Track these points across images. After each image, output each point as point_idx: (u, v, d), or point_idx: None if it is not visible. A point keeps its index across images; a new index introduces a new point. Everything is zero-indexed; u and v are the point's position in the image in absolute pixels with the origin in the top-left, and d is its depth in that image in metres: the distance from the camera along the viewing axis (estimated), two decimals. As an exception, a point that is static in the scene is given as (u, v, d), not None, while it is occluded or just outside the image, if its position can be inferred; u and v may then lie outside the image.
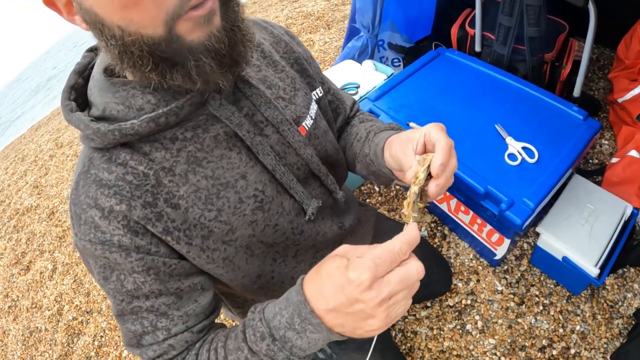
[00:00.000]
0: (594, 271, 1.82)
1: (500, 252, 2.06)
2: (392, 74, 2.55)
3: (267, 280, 1.08)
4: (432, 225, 2.48)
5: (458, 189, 1.95)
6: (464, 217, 2.14)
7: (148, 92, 0.82)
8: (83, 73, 0.91)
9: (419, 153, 0.87)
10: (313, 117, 1.10)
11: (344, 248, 0.74)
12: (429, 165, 0.81)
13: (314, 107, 1.11)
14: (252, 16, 1.21)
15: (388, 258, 0.67)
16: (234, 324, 1.03)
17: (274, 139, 0.98)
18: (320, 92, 1.18)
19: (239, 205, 0.92)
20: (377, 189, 2.76)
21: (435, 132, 0.84)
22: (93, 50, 0.95)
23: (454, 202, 2.13)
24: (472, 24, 2.52)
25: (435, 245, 2.39)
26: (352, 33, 3.03)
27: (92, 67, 0.91)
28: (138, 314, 0.89)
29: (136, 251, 0.82)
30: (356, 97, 2.40)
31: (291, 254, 1.11)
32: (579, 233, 1.93)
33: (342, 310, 0.69)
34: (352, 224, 1.30)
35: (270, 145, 0.97)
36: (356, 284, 0.65)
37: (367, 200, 2.70)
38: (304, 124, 1.06)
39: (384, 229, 1.65)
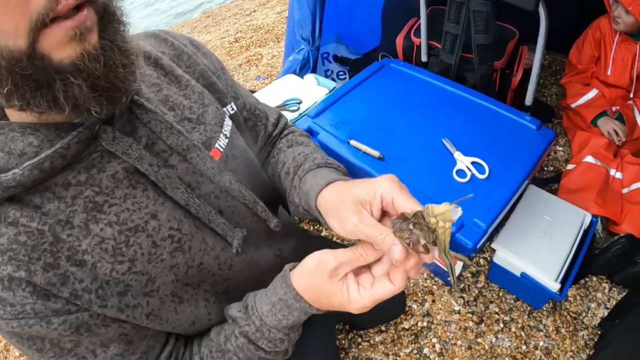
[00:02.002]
0: (554, 286, 1.70)
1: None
2: (335, 87, 2.35)
3: (205, 324, 0.94)
4: (383, 245, 2.25)
5: None
6: (414, 237, 1.92)
7: (29, 133, 0.67)
8: None
9: (377, 218, 0.73)
10: (228, 135, 0.94)
11: (333, 261, 0.75)
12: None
13: (228, 123, 0.95)
14: (152, 29, 1.02)
15: (389, 294, 0.74)
16: None
17: (182, 169, 0.82)
18: (233, 109, 1.02)
19: (153, 251, 0.77)
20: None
21: (402, 199, 0.71)
22: None
23: (401, 222, 1.91)
24: (418, 34, 2.34)
25: (386, 266, 2.16)
26: (291, 46, 2.82)
27: None
28: None
29: (55, 315, 0.68)
30: (297, 114, 2.22)
31: (221, 290, 0.95)
32: (537, 247, 1.80)
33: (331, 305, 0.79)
34: (292, 251, 1.14)
35: (179, 176, 0.81)
36: (356, 308, 0.76)
37: (315, 221, 2.53)
38: (217, 145, 0.90)
39: None
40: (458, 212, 0.64)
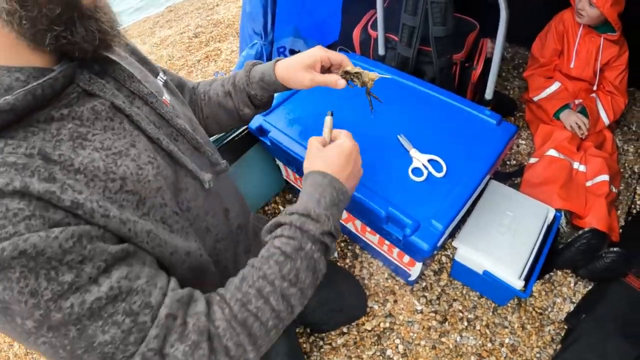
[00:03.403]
0: (518, 283, 1.60)
1: (414, 272, 1.74)
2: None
3: (197, 259, 0.92)
4: (342, 244, 2.14)
5: (358, 212, 1.64)
6: (372, 237, 1.80)
7: (15, 71, 0.69)
8: None
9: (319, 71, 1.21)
10: (166, 95, 1.04)
11: (315, 143, 1.10)
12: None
13: (162, 87, 1.06)
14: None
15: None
16: None
17: (145, 111, 0.90)
18: (164, 76, 1.12)
19: (139, 172, 0.79)
20: (282, 208, 2.37)
21: (335, 56, 1.22)
22: None
23: (359, 222, 1.79)
24: (375, 26, 2.18)
25: (346, 266, 2.05)
26: (245, 41, 2.62)
27: None
28: (101, 313, 0.66)
29: (55, 225, 0.63)
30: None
31: (202, 233, 0.99)
32: (499, 244, 1.69)
33: (352, 169, 1.05)
34: (240, 213, 1.19)
35: (146, 115, 0.89)
36: (352, 148, 1.06)
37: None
38: (164, 97, 1.00)
39: None
40: (380, 76, 1.18)
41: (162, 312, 0.71)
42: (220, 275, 1.01)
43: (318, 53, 1.17)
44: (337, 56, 1.19)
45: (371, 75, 1.17)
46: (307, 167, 1.04)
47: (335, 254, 2.09)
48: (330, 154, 1.03)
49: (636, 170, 2.34)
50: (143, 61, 1.09)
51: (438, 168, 1.46)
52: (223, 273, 1.02)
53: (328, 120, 1.16)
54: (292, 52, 2.63)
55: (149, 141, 0.86)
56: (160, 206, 0.82)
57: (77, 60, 0.76)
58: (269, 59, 2.45)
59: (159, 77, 1.10)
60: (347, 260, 2.07)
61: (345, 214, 1.80)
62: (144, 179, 0.79)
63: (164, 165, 0.86)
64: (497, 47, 1.75)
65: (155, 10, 5.20)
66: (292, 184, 2.15)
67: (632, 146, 2.46)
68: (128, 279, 0.70)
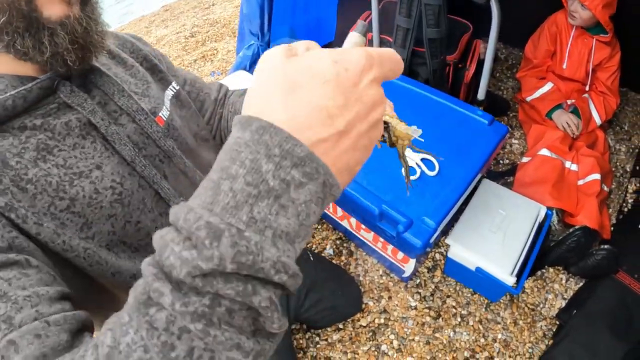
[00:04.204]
0: (510, 280, 1.63)
1: (407, 269, 1.77)
2: (284, 85, 2.16)
3: None
4: (338, 242, 2.16)
5: (352, 209, 1.66)
6: (367, 234, 1.83)
7: None
8: None
9: None
10: (169, 109, 0.98)
11: (284, 46, 0.43)
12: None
13: (168, 100, 1.00)
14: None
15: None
16: None
17: (130, 129, 0.86)
18: (177, 86, 1.06)
19: (94, 196, 0.77)
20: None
21: None
22: None
23: (354, 219, 1.82)
24: (370, 27, 2.20)
25: (342, 264, 2.08)
26: (242, 41, 2.65)
27: None
28: None
29: None
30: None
31: None
32: (491, 241, 1.73)
33: (350, 121, 0.39)
34: None
35: (127, 135, 0.85)
36: (361, 70, 0.39)
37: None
38: (160, 114, 0.94)
39: None
40: (418, 133, 0.63)
41: (11, 335, 0.55)
42: None
43: None
44: None
45: (402, 132, 0.65)
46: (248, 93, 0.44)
47: (331, 251, 2.11)
48: (301, 68, 0.40)
49: (628, 169, 2.38)
50: (154, 69, 1.03)
51: (430, 167, 1.50)
52: None
53: (353, 35, 0.55)
54: (288, 52, 2.65)
55: (122, 163, 0.82)
56: (108, 234, 0.80)
57: (61, 71, 0.73)
58: (265, 59, 2.48)
59: (170, 88, 1.03)
60: (343, 258, 2.09)
61: (340, 212, 1.83)
62: (97, 204, 0.77)
63: (133, 189, 0.82)
64: (489, 49, 1.78)
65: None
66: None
67: (624, 145, 2.49)
68: (8, 283, 0.60)
